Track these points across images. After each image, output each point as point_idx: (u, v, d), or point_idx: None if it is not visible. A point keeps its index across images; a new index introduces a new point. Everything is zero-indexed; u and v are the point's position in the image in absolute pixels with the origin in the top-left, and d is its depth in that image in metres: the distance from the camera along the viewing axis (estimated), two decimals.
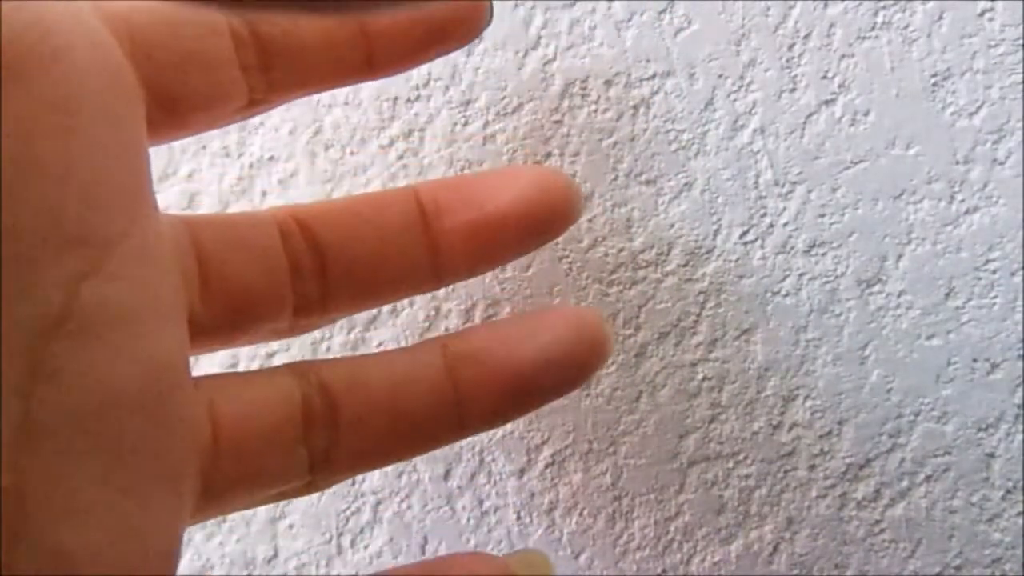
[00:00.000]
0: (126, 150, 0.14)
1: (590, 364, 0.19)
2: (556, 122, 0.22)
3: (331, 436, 0.17)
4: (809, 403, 0.23)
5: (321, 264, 0.18)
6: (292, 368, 0.18)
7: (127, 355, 0.14)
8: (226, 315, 0.17)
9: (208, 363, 0.23)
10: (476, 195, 0.19)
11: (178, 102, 0.16)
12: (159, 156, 0.23)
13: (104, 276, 0.14)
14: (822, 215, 0.22)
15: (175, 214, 0.17)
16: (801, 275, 0.23)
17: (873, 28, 0.22)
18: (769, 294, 0.23)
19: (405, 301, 0.23)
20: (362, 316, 0.23)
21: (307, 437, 0.17)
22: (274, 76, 0.17)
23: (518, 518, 0.23)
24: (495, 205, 0.18)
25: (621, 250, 0.23)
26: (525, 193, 0.18)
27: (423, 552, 0.23)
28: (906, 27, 0.22)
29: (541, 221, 0.19)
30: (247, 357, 0.23)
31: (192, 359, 0.16)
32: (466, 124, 0.22)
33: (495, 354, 0.18)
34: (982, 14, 0.22)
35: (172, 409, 0.15)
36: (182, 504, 0.15)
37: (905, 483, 0.23)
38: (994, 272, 0.22)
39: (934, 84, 0.22)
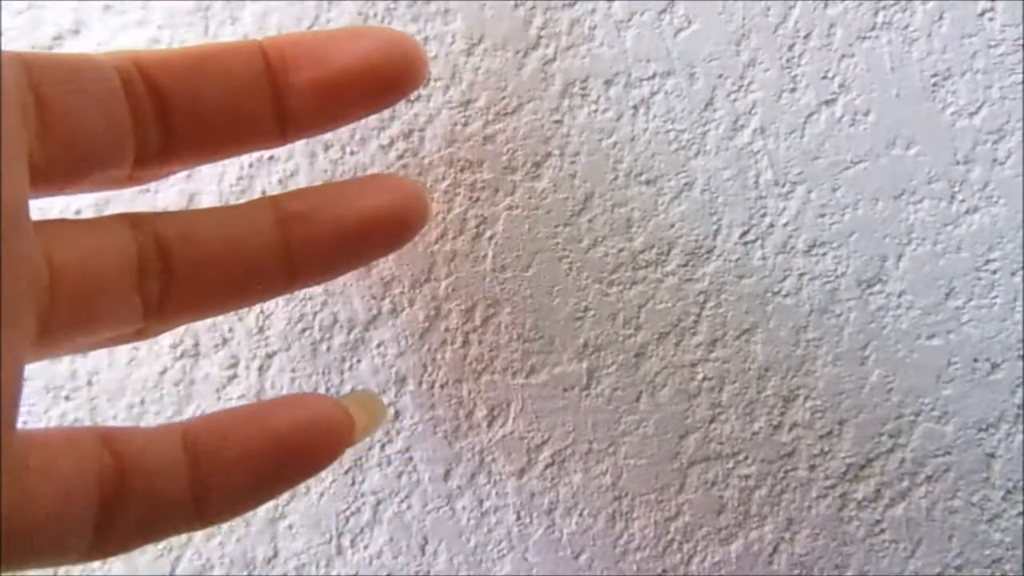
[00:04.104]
0: None
1: (410, 227, 0.20)
2: (556, 122, 0.22)
3: (164, 285, 0.18)
4: (809, 403, 0.23)
5: (162, 112, 0.18)
6: (128, 218, 0.18)
7: None
8: (65, 159, 0.17)
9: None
10: (322, 52, 0.19)
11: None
12: None
13: None
14: (822, 215, 0.22)
15: (14, 52, 0.17)
16: (801, 275, 0.23)
17: (873, 28, 0.22)
18: (769, 294, 0.23)
19: (405, 301, 0.23)
20: (362, 316, 0.23)
21: (141, 285, 0.18)
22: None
23: (518, 518, 0.23)
24: (341, 63, 0.19)
25: (621, 250, 0.23)
26: (371, 52, 0.19)
27: (423, 552, 0.23)
28: (906, 27, 0.22)
29: (386, 80, 0.19)
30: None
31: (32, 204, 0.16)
32: (466, 124, 0.22)
33: (324, 213, 0.19)
34: (982, 14, 0.22)
35: (11, 246, 0.15)
36: (22, 335, 0.15)
37: (905, 483, 0.23)
38: (994, 272, 0.22)
39: (934, 84, 0.22)
